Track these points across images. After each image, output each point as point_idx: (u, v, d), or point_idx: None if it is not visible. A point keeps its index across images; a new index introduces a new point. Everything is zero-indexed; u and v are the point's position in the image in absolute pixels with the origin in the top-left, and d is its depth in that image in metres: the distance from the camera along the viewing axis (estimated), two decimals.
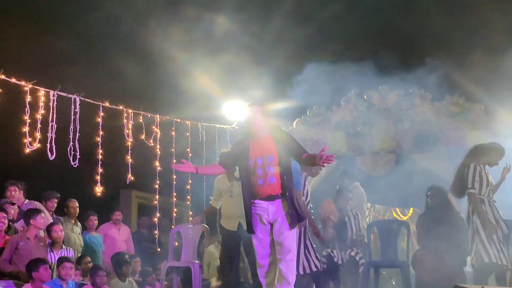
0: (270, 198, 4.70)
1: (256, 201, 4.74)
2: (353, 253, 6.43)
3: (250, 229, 4.77)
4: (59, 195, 7.55)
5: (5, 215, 6.37)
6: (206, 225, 7.31)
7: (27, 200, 7.16)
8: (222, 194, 6.61)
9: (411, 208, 10.66)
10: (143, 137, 8.43)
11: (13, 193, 6.95)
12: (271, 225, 4.73)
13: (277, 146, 4.75)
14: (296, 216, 4.68)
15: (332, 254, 6.47)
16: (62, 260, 6.16)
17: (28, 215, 6.47)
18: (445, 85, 8.57)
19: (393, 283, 8.79)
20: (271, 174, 4.70)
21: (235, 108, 9.25)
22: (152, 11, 9.29)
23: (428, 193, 6.49)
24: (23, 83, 7.09)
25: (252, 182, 4.73)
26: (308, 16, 10.16)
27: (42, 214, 6.48)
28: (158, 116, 8.66)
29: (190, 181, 9.12)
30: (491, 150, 6.08)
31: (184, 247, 7.28)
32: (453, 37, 9.64)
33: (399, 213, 10.96)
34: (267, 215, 4.69)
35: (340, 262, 6.49)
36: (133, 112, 8.30)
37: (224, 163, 5.04)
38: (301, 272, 5.92)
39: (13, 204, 6.92)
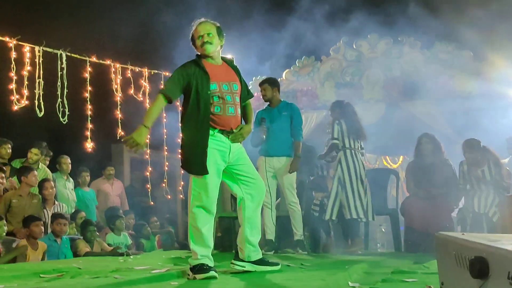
0: (230, 133, 3.89)
1: (216, 133, 3.85)
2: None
3: (204, 169, 3.76)
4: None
5: (3, 175, 6.39)
6: None
7: (41, 165, 7.18)
8: None
9: (401, 156, 10.78)
10: (131, 91, 8.38)
11: (8, 151, 6.94)
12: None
13: (238, 76, 4.07)
14: None
15: (323, 201, 6.58)
16: (56, 216, 6.23)
17: (20, 172, 6.50)
18: (435, 32, 8.53)
19: (383, 230, 8.97)
20: (238, 104, 3.98)
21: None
22: None
23: (422, 141, 6.52)
24: (7, 39, 6.98)
25: (212, 110, 3.85)
26: None
27: (35, 172, 6.51)
28: (146, 70, 8.58)
29: (180, 134, 9.13)
30: None
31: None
32: None
33: (389, 161, 11.08)
34: (229, 153, 3.88)
35: None
36: (121, 66, 8.22)
37: (170, 92, 3.92)
38: (349, 216, 6.06)
39: (5, 164, 6.93)
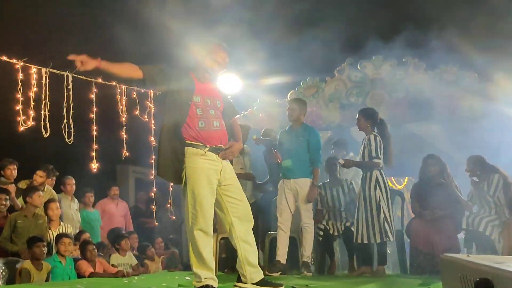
0: (221, 150, 3.86)
1: (207, 152, 3.80)
2: (348, 224, 6.48)
3: (179, 178, 3.76)
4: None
5: (7, 197, 6.40)
6: None
7: (47, 187, 7.20)
8: None
9: (406, 177, 10.74)
10: (137, 112, 8.41)
11: (13, 172, 6.98)
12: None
13: (223, 94, 4.12)
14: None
15: (327, 226, 6.52)
16: (60, 236, 6.22)
17: (25, 193, 6.51)
18: (440, 53, 8.55)
19: (388, 251, 8.88)
20: (222, 119, 3.95)
21: (229, 81, 9.23)
22: None
23: (427, 162, 6.50)
24: (14, 61, 7.04)
25: (197, 125, 3.82)
26: None
27: (40, 193, 6.52)
28: (151, 91, 8.63)
29: None
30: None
31: None
32: (452, 1, 9.57)
33: (394, 182, 11.03)
34: (220, 171, 3.84)
35: (336, 233, 6.54)
36: (126, 87, 8.27)
37: (147, 70, 3.92)
38: (378, 240, 5.76)
39: (11, 183, 6.97)
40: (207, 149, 3.80)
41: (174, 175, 3.82)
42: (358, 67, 9.14)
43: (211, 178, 3.78)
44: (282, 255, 5.94)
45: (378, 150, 5.83)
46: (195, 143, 3.81)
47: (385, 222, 5.77)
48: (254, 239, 3.98)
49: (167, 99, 3.90)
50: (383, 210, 5.80)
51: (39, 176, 7.07)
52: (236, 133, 4.13)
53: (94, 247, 6.61)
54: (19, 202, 6.77)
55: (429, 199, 6.33)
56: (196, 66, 4.04)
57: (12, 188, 6.95)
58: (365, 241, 5.87)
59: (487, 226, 5.94)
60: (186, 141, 3.82)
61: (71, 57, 3.74)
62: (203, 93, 3.90)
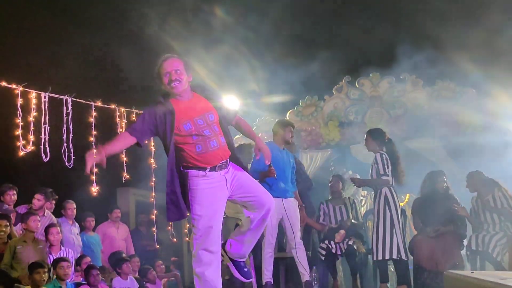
0: (223, 165, 3.80)
1: (208, 173, 3.75)
2: (350, 242, 6.45)
3: (178, 214, 3.76)
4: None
5: (7, 223, 6.36)
6: None
7: (47, 212, 7.17)
8: None
9: (407, 194, 10.71)
10: None
11: (12, 197, 6.95)
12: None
13: (213, 103, 3.92)
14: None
15: (330, 246, 6.47)
16: (58, 261, 6.16)
17: (21, 219, 6.47)
18: (437, 69, 8.59)
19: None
20: (220, 132, 3.83)
21: (230, 100, 9.26)
22: (149, 1, 9.27)
23: (428, 178, 6.50)
24: (13, 86, 7.06)
25: (194, 149, 3.75)
26: (305, 10, 10.18)
27: (36, 217, 6.47)
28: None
29: None
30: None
31: None
32: (448, 17, 9.64)
33: None
34: (227, 184, 3.80)
35: (339, 252, 6.50)
36: (126, 110, 8.29)
37: (137, 132, 3.82)
38: (387, 257, 5.87)
39: (12, 209, 6.93)
40: (207, 170, 3.76)
41: (174, 213, 3.82)
42: (356, 85, 9.18)
43: (219, 195, 3.77)
44: (267, 274, 5.84)
45: (386, 167, 5.93)
46: (194, 166, 3.77)
47: (393, 239, 5.78)
48: (257, 239, 4.00)
49: (163, 138, 3.84)
50: (392, 228, 5.81)
51: (37, 199, 7.02)
52: (247, 131, 4.08)
53: (98, 272, 6.57)
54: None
55: (431, 215, 6.31)
56: (166, 90, 3.88)
57: (12, 213, 6.92)
58: (377, 258, 5.92)
59: (495, 246, 5.90)
60: (185, 165, 3.82)
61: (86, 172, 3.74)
62: (192, 115, 3.77)
